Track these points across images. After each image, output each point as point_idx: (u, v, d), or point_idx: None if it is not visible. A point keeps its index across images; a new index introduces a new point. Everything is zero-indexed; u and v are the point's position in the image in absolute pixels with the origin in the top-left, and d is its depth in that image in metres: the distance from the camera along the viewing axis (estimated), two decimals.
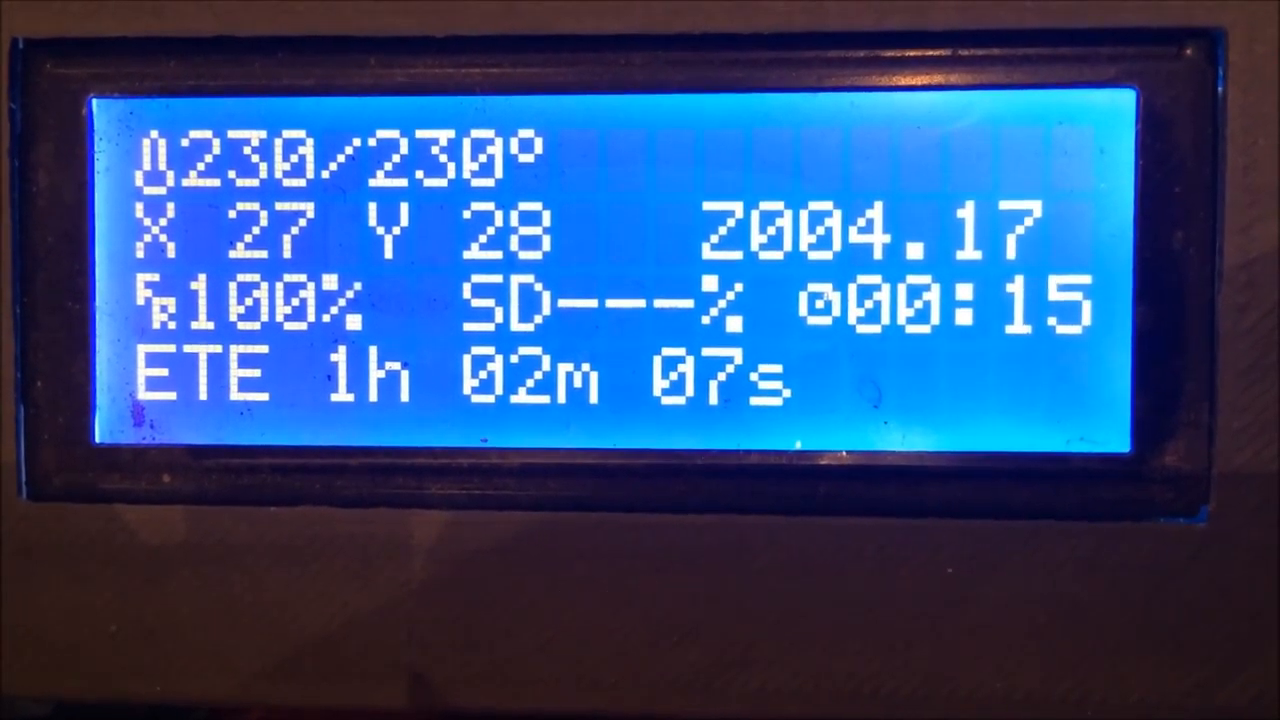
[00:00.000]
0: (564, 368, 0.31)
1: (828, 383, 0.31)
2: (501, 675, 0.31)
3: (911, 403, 0.31)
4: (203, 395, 0.32)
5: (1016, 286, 0.30)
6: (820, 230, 0.31)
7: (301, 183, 0.32)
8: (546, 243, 0.31)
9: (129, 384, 0.32)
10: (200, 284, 0.32)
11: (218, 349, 0.32)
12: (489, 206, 0.31)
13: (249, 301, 0.32)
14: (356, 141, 0.32)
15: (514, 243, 0.31)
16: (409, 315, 0.32)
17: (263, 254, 0.32)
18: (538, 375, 0.32)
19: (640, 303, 0.31)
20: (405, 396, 0.32)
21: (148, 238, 0.32)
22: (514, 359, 0.32)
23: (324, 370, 0.32)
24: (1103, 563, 0.30)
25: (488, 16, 0.30)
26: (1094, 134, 0.30)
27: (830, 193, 0.31)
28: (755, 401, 0.31)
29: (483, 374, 0.32)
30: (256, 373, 0.32)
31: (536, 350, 0.32)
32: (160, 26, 0.31)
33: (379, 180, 0.32)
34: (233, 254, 0.32)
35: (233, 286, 0.32)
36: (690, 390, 0.31)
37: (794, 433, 0.31)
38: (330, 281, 0.32)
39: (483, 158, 0.31)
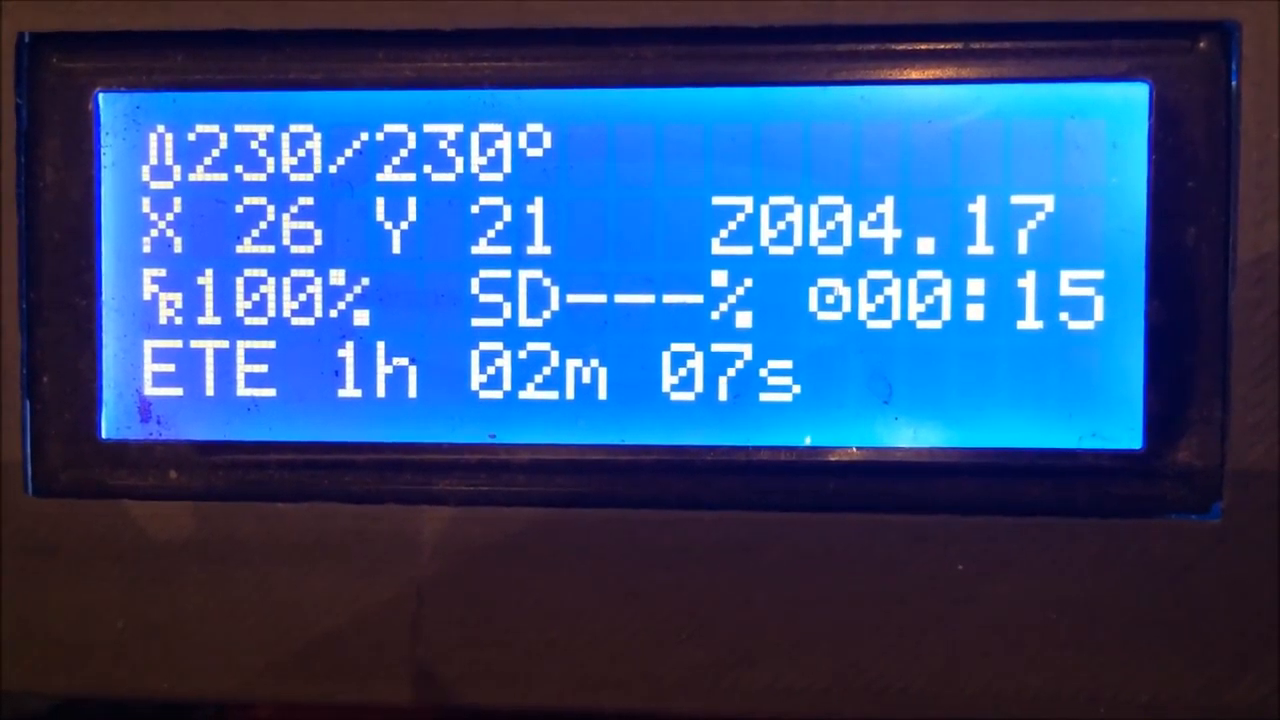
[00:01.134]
0: (572, 363, 0.31)
1: (838, 378, 0.31)
2: (508, 672, 0.31)
3: (922, 399, 0.31)
4: (210, 391, 0.32)
5: (1028, 282, 0.30)
6: (830, 225, 0.31)
7: (309, 177, 0.32)
8: (555, 238, 0.31)
9: (135, 380, 0.32)
10: (207, 279, 0.32)
11: (225, 344, 0.32)
12: (497, 201, 0.31)
13: (256, 297, 0.32)
14: (364, 136, 0.31)
15: (522, 238, 0.31)
16: (417, 310, 0.32)
17: (270, 249, 0.32)
18: (546, 371, 0.31)
19: (649, 298, 0.31)
20: (413, 392, 0.32)
21: (154, 233, 0.32)
22: (522, 355, 0.31)
23: (331, 366, 0.32)
24: (1114, 560, 0.30)
25: (496, 10, 0.30)
26: (1106, 128, 0.30)
27: (840, 187, 0.31)
28: (765, 397, 0.31)
29: (491, 370, 0.32)
30: (264, 368, 0.32)
31: (545, 346, 0.31)
32: (167, 20, 0.31)
33: (387, 175, 0.31)
34: (240, 249, 0.32)
35: (240, 282, 0.32)
36: (699, 386, 0.31)
37: (804, 429, 0.31)
38: (338, 277, 0.32)
39: (491, 152, 0.31)
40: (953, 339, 0.31)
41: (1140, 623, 0.30)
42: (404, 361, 0.32)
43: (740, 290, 0.31)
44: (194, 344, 0.32)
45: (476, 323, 0.31)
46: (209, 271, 0.32)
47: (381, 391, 0.32)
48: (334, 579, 0.31)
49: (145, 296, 0.32)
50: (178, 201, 0.32)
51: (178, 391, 0.32)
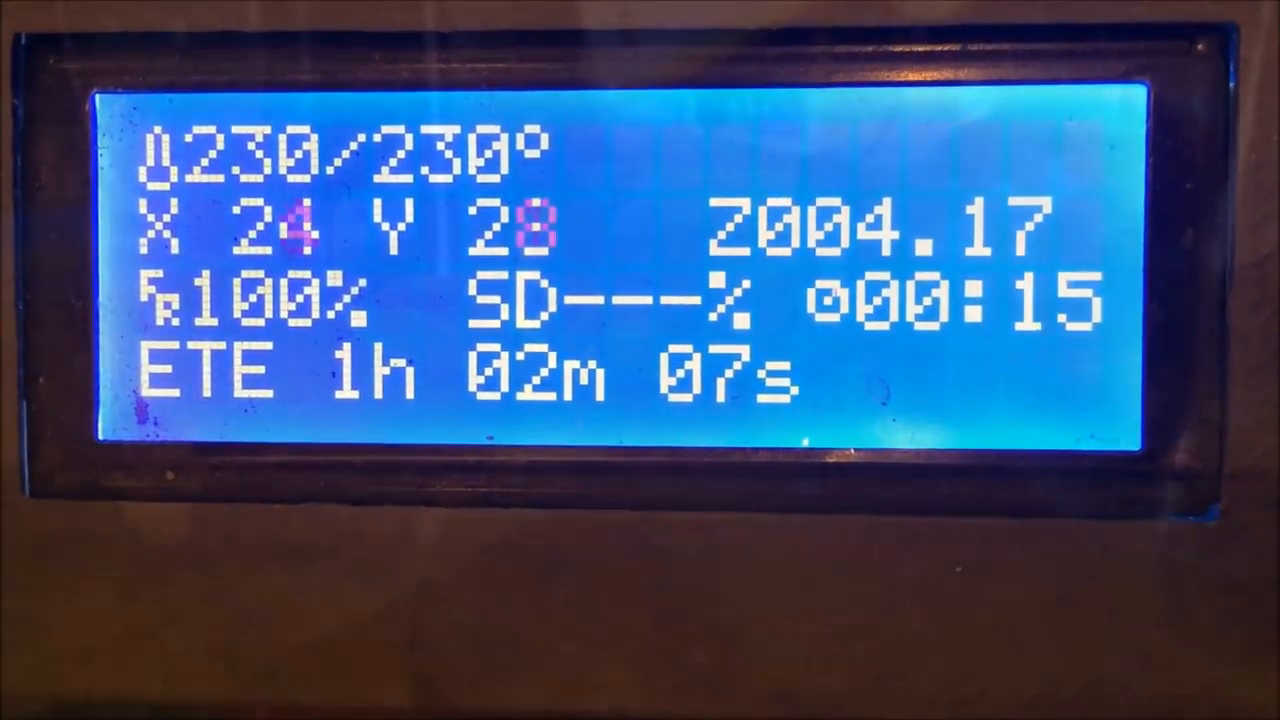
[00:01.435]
0: (570, 365, 0.31)
1: (836, 380, 0.31)
2: (507, 675, 0.31)
3: (920, 400, 0.31)
4: (207, 392, 0.32)
5: (1026, 283, 0.30)
6: (828, 226, 0.31)
7: (306, 178, 0.31)
8: (552, 239, 0.31)
9: (132, 381, 0.32)
10: (204, 280, 0.32)
11: (221, 346, 0.32)
12: (494, 202, 0.31)
13: (253, 298, 0.32)
14: (361, 137, 0.31)
15: (520, 239, 0.31)
16: (414, 312, 0.31)
17: (267, 250, 0.32)
18: (544, 372, 0.31)
19: (647, 299, 0.31)
20: (410, 394, 0.32)
21: (151, 234, 0.32)
22: (520, 356, 0.31)
23: (329, 367, 0.32)
24: (1113, 561, 0.30)
25: (494, 11, 0.30)
26: (1105, 129, 0.30)
27: (838, 189, 0.31)
28: (763, 399, 0.31)
29: (488, 371, 0.31)
30: (261, 370, 0.32)
31: (542, 347, 0.31)
32: (164, 21, 0.31)
33: (384, 176, 0.31)
34: (237, 250, 0.32)
35: (237, 283, 0.32)
36: (697, 388, 0.31)
37: (802, 430, 0.31)
38: (335, 278, 0.32)
39: (488, 153, 0.31)
40: (951, 341, 0.30)
41: (1140, 623, 0.30)
42: (401, 363, 0.32)
43: (738, 291, 0.31)
44: (191, 345, 0.32)
45: (474, 324, 0.31)
46: (206, 272, 0.32)
47: (379, 393, 0.32)
48: (331, 581, 0.31)
49: (142, 298, 0.32)
50: (174, 202, 0.32)
51: (175, 393, 0.32)
